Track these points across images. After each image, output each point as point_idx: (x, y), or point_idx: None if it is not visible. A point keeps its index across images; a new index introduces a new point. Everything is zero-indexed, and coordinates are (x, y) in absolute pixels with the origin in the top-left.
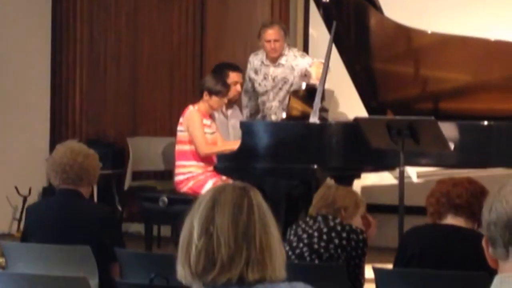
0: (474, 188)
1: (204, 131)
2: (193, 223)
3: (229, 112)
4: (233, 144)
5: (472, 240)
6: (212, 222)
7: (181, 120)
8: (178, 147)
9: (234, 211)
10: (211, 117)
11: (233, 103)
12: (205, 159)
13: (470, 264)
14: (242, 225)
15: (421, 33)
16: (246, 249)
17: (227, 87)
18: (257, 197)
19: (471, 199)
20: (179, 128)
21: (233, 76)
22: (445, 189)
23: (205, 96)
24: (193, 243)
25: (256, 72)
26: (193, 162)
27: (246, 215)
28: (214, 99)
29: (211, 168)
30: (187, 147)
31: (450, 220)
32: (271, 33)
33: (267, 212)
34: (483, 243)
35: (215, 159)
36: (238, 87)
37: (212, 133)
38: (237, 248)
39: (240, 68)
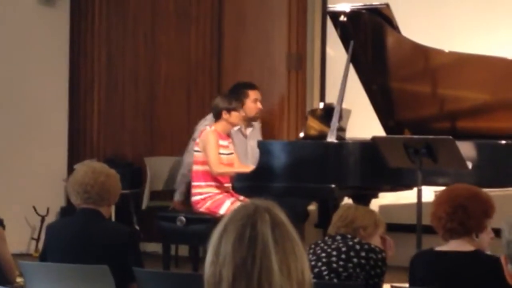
0: (458, 203)
1: (220, 151)
2: (208, 247)
3: (248, 131)
4: (248, 168)
5: (474, 265)
6: (218, 253)
7: (197, 140)
8: (195, 168)
9: (235, 242)
10: (229, 137)
11: (254, 121)
12: (219, 179)
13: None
14: (240, 259)
15: (439, 52)
16: (245, 284)
17: (240, 101)
18: (264, 227)
19: (459, 217)
20: (195, 148)
21: (252, 94)
22: (433, 210)
23: (224, 115)
24: (205, 270)
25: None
26: (209, 183)
27: (246, 247)
28: (234, 115)
29: (228, 188)
30: (202, 168)
31: (452, 244)
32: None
33: (274, 243)
34: (502, 260)
35: (228, 179)
36: (259, 104)
37: (229, 154)
38: (235, 282)
39: (257, 86)
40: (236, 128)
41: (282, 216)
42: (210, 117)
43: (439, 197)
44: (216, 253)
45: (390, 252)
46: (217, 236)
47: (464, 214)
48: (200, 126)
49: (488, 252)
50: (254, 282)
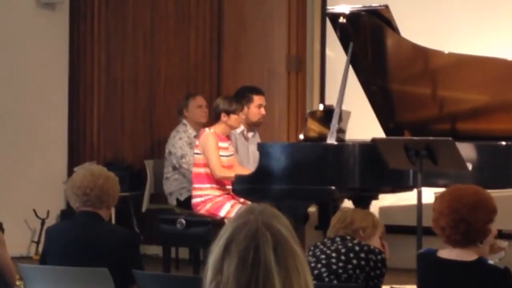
0: (460, 216)
1: (220, 153)
2: (209, 261)
3: (250, 135)
4: (249, 171)
5: (476, 275)
6: (221, 271)
7: (197, 142)
8: (194, 170)
9: (238, 265)
10: (229, 139)
11: (257, 126)
12: (220, 182)
13: None
14: (244, 282)
15: (438, 54)
16: None
17: (241, 104)
18: (266, 249)
19: (462, 230)
20: (195, 150)
21: (257, 100)
22: (434, 217)
23: (223, 117)
24: (205, 284)
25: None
26: (209, 185)
27: (249, 271)
28: (233, 118)
29: (228, 190)
30: (202, 170)
31: (456, 250)
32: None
33: (276, 265)
34: None
35: (230, 182)
36: (263, 110)
37: (229, 155)
38: None
39: (262, 91)
40: (239, 130)
41: (283, 229)
42: (181, 128)
43: (440, 203)
44: (219, 271)
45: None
46: (218, 254)
47: (467, 227)
48: (173, 139)
49: (491, 262)
50: None
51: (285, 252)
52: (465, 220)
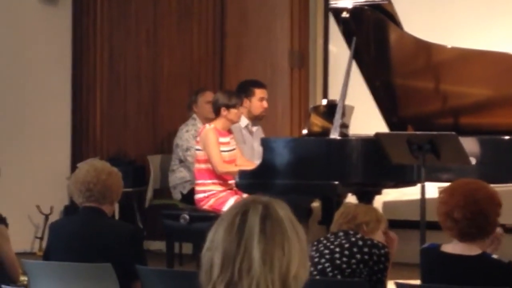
0: (478, 209)
1: (221, 149)
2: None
3: (254, 129)
4: (252, 165)
5: (480, 269)
6: (213, 240)
7: (198, 138)
8: (197, 166)
9: (226, 229)
10: (230, 133)
11: (260, 119)
12: (223, 177)
13: None
14: (228, 245)
15: (441, 48)
16: (231, 270)
17: (241, 98)
18: (253, 216)
19: (479, 223)
20: (196, 146)
21: (258, 93)
22: (443, 210)
23: (223, 112)
24: (202, 256)
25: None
26: (211, 181)
27: (234, 235)
28: (233, 112)
29: (231, 185)
30: (204, 166)
31: (460, 245)
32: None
33: (260, 233)
34: None
35: (232, 177)
36: (265, 103)
37: (231, 150)
38: (222, 268)
39: (264, 84)
40: (243, 125)
41: (281, 212)
42: (191, 122)
43: (452, 196)
44: (212, 240)
45: (392, 248)
46: (215, 225)
47: (484, 220)
48: (181, 132)
49: (494, 256)
50: (236, 268)
51: (274, 228)
52: (483, 212)
